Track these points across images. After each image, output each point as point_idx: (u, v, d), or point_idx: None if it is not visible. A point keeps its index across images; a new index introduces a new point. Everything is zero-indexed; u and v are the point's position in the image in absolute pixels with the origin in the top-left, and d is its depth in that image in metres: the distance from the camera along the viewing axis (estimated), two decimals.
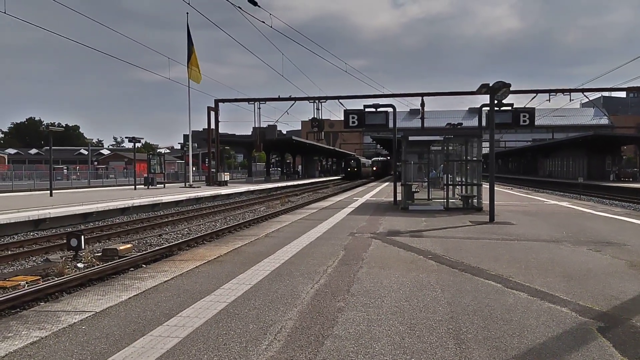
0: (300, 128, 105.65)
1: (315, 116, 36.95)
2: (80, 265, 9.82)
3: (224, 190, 30.79)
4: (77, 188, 37.20)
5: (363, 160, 72.77)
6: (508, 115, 16.44)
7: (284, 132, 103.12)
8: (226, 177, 39.91)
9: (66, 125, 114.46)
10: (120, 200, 20.64)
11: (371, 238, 9.34)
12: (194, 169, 49.92)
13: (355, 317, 4.46)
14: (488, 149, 12.91)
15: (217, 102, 39.58)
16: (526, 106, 24.19)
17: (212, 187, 34.24)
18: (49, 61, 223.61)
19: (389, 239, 9.27)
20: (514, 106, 16.70)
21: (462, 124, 31.59)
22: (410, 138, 16.88)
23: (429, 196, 18.29)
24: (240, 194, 32.40)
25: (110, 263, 9.50)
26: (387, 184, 37.75)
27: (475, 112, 25.98)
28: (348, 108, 18.40)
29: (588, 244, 8.57)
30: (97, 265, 9.59)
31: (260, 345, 3.78)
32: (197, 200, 26.07)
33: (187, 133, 40.12)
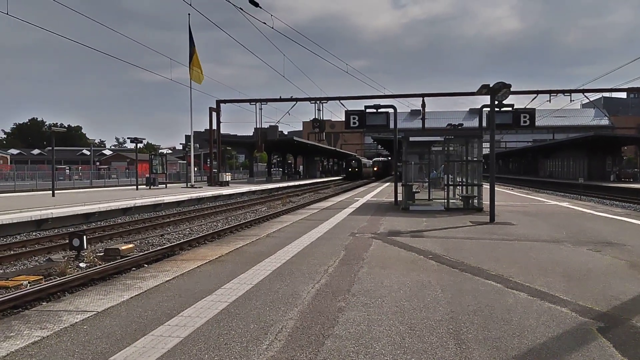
0: (301, 129, 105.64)
1: (317, 117, 36.96)
2: (82, 265, 9.85)
3: (225, 191, 30.82)
4: (79, 188, 37.24)
5: (364, 160, 72.75)
6: (508, 115, 16.46)
7: (285, 133, 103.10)
8: (228, 177, 39.96)
9: (68, 125, 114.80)
10: (122, 201, 20.67)
11: (372, 238, 9.36)
12: (195, 169, 49.92)
13: (356, 317, 4.48)
14: (488, 149, 12.91)
15: (218, 102, 39.62)
16: (527, 107, 24.17)
17: (214, 188, 34.27)
18: (50, 62, 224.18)
19: (389, 239, 9.28)
20: (515, 107, 16.73)
21: (462, 124, 31.59)
22: (411, 138, 16.90)
23: (429, 196, 18.30)
24: (242, 194, 32.43)
25: (112, 263, 9.52)
26: (387, 184, 37.76)
27: (476, 112, 26.00)
28: (349, 109, 18.48)
29: (588, 244, 8.58)
30: (99, 265, 9.62)
31: (261, 345, 3.80)
32: (199, 200, 26.10)
33: (189, 134, 40.17)
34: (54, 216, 15.57)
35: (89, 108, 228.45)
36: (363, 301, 5.00)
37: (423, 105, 38.41)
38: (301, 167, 76.63)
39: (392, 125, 18.18)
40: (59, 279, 8.23)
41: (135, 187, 33.81)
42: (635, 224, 11.76)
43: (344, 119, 17.40)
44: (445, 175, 17.84)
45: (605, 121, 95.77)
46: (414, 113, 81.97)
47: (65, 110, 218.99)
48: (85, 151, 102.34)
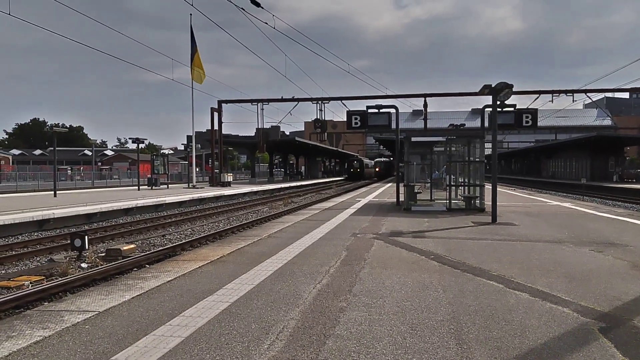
0: (303, 129, 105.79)
1: (318, 117, 36.97)
2: (84, 265, 9.87)
3: (227, 191, 30.84)
4: (81, 189, 37.30)
5: (366, 161, 72.76)
6: (511, 116, 16.45)
7: (287, 133, 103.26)
8: (229, 177, 39.99)
9: (70, 126, 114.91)
10: (123, 201, 20.70)
11: (373, 239, 9.36)
12: (197, 169, 50.00)
13: (357, 317, 4.48)
14: (490, 149, 12.91)
15: (220, 103, 39.65)
16: (529, 107, 24.16)
17: (216, 188, 34.30)
18: (52, 62, 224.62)
19: (391, 239, 9.28)
20: (517, 107, 16.71)
21: (464, 124, 31.49)
22: (413, 139, 16.88)
23: (431, 197, 18.28)
24: (244, 194, 32.45)
25: (113, 263, 9.54)
26: (389, 184, 37.75)
27: (478, 113, 25.96)
28: (351, 109, 18.48)
29: (590, 244, 8.56)
30: (101, 265, 9.63)
31: (262, 345, 3.80)
32: (201, 200, 26.12)
33: (191, 134, 40.24)
34: (55, 216, 15.60)
35: (91, 108, 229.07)
36: (364, 301, 5.00)
37: (425, 105, 38.37)
38: (303, 167, 76.62)
39: (393, 126, 18.17)
40: (60, 279, 8.24)
41: (137, 187, 33.84)
42: (638, 224, 11.74)
43: (345, 119, 17.39)
44: (447, 176, 17.82)
45: (607, 121, 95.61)
46: (415, 113, 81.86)
47: (67, 110, 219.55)
48: (87, 151, 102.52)
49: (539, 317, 4.47)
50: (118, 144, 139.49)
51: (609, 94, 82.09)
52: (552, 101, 37.12)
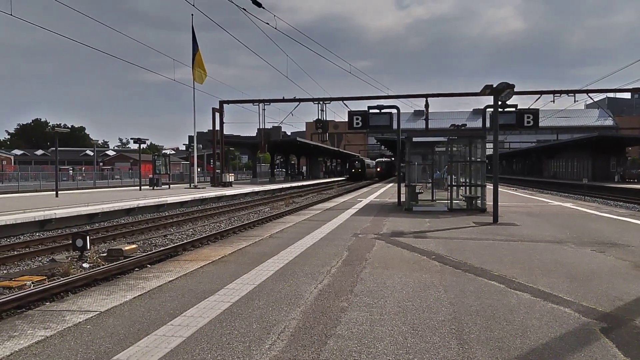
0: (304, 129, 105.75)
1: (320, 117, 37.02)
2: (85, 265, 9.88)
3: (228, 191, 30.85)
4: (82, 189, 37.34)
5: (367, 161, 72.76)
6: (512, 116, 16.41)
7: (289, 134, 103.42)
8: (231, 178, 39.99)
9: (72, 126, 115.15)
10: (125, 201, 20.72)
11: (375, 239, 9.36)
12: (198, 170, 50.04)
13: (359, 317, 4.48)
14: (492, 150, 12.90)
15: (221, 103, 39.68)
16: (530, 107, 24.13)
17: (217, 188, 34.31)
18: (53, 62, 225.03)
19: (392, 239, 9.28)
20: (518, 107, 16.67)
21: (466, 125, 31.47)
22: (414, 139, 16.88)
23: (432, 197, 18.28)
24: (245, 195, 32.46)
25: (115, 263, 9.55)
26: (391, 185, 37.73)
27: (480, 113, 25.95)
28: (352, 109, 18.47)
29: (592, 245, 8.56)
30: (103, 265, 9.64)
31: (263, 345, 3.81)
32: (202, 201, 26.14)
33: (192, 134, 40.28)
34: (57, 217, 15.62)
35: (92, 108, 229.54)
36: (366, 301, 5.00)
37: (426, 105, 38.37)
38: (304, 167, 76.64)
39: (395, 126, 18.15)
40: (62, 279, 8.25)
41: (138, 187, 33.86)
42: (639, 224, 11.72)
43: (347, 120, 17.38)
44: (449, 176, 17.82)
45: (609, 122, 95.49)
46: (417, 113, 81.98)
47: (68, 110, 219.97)
48: (88, 152, 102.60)
49: (541, 318, 4.47)
50: (120, 144, 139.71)
51: (611, 94, 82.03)
52: (553, 101, 37.15)
